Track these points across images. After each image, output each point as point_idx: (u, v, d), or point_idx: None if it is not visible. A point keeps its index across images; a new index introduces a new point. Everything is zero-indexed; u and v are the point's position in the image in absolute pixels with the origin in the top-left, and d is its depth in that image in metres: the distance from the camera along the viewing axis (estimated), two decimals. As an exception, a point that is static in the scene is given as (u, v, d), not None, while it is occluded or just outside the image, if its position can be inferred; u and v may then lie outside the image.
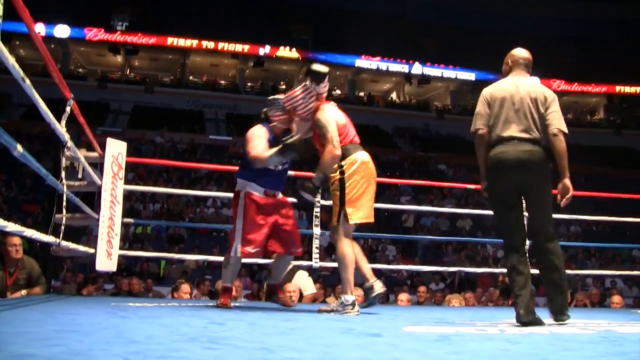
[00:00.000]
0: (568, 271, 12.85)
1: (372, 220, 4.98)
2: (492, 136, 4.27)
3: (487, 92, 4.38)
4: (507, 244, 4.29)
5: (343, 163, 4.88)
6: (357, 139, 5.05)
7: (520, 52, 4.52)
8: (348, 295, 4.73)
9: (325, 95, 5.16)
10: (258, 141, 5.16)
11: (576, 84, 39.31)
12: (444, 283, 15.29)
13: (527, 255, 4.25)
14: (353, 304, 4.69)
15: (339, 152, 4.82)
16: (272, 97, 5.51)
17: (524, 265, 4.17)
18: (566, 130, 4.22)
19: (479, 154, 4.34)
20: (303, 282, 7.61)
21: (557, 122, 4.21)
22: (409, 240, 19.90)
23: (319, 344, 2.70)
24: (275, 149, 4.90)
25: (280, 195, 5.35)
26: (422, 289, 9.77)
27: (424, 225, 20.90)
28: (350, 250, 4.82)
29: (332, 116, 4.99)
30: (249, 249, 5.04)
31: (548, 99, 4.26)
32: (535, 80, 4.43)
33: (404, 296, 8.59)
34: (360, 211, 4.85)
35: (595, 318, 4.99)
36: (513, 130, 4.21)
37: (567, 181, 4.29)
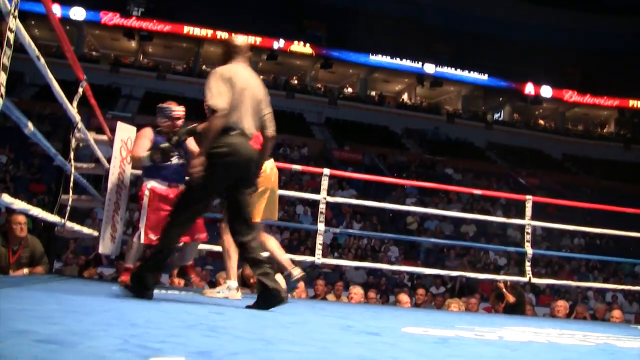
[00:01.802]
0: (570, 283, 12.80)
1: (257, 221, 5.27)
2: (229, 122, 4.19)
3: (227, 73, 4.29)
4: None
5: None
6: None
7: (246, 42, 4.57)
8: (231, 280, 5.28)
9: None
10: (141, 142, 5.68)
11: (588, 95, 39.15)
12: (445, 287, 15.27)
13: None
14: (237, 289, 5.25)
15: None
16: (160, 104, 5.87)
17: None
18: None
19: (215, 133, 4.14)
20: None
21: (272, 125, 4.52)
22: (412, 242, 19.88)
23: (317, 339, 2.70)
24: (147, 153, 5.47)
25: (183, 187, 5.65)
26: (420, 291, 9.79)
27: (428, 228, 20.88)
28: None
29: None
30: (152, 237, 5.41)
31: (266, 100, 4.48)
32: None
33: (404, 297, 8.59)
34: None
35: (594, 331, 4.97)
36: (250, 125, 4.29)
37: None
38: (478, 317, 6.10)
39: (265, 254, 4.35)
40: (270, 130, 4.50)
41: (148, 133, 5.74)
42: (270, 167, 5.46)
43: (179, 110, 5.76)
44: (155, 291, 5.16)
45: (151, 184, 5.58)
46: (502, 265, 19.08)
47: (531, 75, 37.23)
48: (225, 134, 4.15)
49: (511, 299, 8.77)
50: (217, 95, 4.12)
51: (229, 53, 4.45)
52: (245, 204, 4.31)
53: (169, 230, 4.16)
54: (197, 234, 5.81)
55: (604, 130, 42.48)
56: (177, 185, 5.63)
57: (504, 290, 8.85)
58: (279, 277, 7.62)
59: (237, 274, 7.55)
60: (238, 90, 4.20)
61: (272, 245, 5.58)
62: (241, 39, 4.53)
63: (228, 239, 5.19)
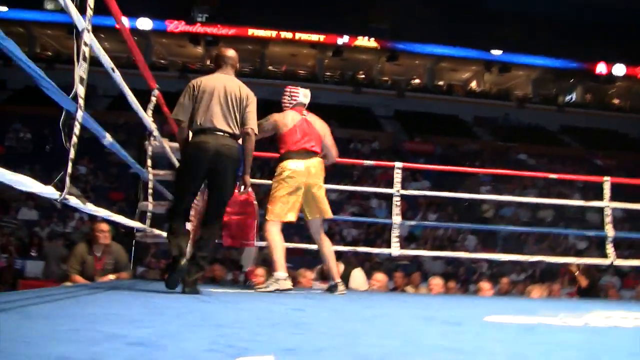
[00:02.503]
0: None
1: (290, 220, 5.59)
2: (199, 124, 4.66)
3: (196, 83, 4.83)
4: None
5: (277, 169, 5.67)
6: (306, 146, 5.66)
7: (235, 54, 5.09)
8: (279, 272, 5.35)
9: (295, 105, 5.85)
10: None
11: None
12: (525, 274, 15.06)
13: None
14: (285, 278, 5.33)
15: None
16: None
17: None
18: (257, 131, 4.80)
19: (180, 140, 4.82)
20: (359, 281, 7.55)
21: (251, 121, 4.74)
22: (489, 230, 19.66)
23: (400, 332, 2.71)
24: None
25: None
26: (505, 280, 9.69)
27: (504, 216, 20.60)
28: (276, 235, 5.49)
29: (277, 118, 5.74)
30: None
31: (249, 98, 4.81)
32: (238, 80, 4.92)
33: (485, 285, 8.50)
34: (276, 210, 5.52)
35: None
36: (221, 122, 4.64)
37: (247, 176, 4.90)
38: (561, 303, 5.99)
39: (186, 249, 4.58)
40: (247, 126, 4.73)
41: None
42: (306, 165, 5.58)
43: None
44: (236, 290, 5.25)
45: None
46: (583, 249, 18.69)
47: (602, 54, 36.28)
48: (196, 134, 4.66)
49: (583, 282, 8.63)
50: (178, 108, 4.74)
51: (217, 63, 5.01)
52: (216, 201, 4.71)
53: (169, 214, 4.71)
54: (243, 240, 6.15)
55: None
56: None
57: (576, 274, 8.72)
58: (358, 271, 7.66)
59: (317, 268, 7.66)
60: (207, 95, 4.68)
61: (328, 249, 5.80)
62: (231, 52, 5.07)
63: (271, 231, 5.46)
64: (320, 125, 5.87)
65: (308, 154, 5.64)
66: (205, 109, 4.62)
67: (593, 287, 8.77)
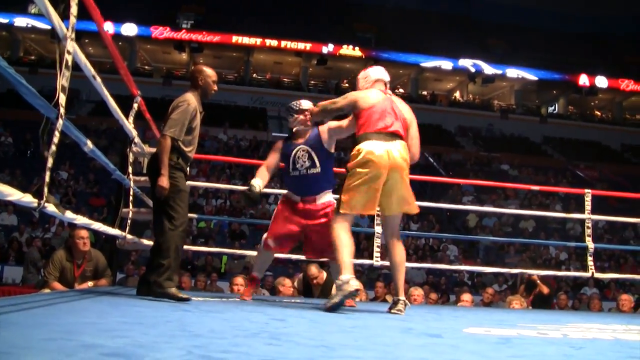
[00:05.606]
0: (635, 276, 12.55)
1: (366, 212, 4.89)
2: None
3: None
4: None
5: (352, 153, 4.88)
6: (387, 125, 4.86)
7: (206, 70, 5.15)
8: (344, 275, 4.47)
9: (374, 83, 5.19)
10: (269, 156, 5.65)
11: (647, 83, 38.31)
12: (507, 284, 15.10)
13: None
14: (348, 282, 4.39)
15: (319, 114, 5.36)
16: (287, 105, 5.71)
17: None
18: (169, 134, 4.65)
19: None
20: None
21: (165, 127, 4.70)
22: (471, 240, 19.70)
23: (378, 343, 2.71)
24: (255, 185, 5.34)
25: (323, 201, 5.34)
26: (490, 290, 9.72)
27: (486, 226, 20.66)
28: (344, 232, 4.66)
29: (356, 94, 5.09)
30: (270, 242, 5.38)
31: (176, 106, 4.80)
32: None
33: (466, 296, 8.53)
34: (352, 201, 4.68)
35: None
36: None
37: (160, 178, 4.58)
38: (540, 315, 6.01)
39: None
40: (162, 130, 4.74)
41: (277, 145, 5.63)
42: (387, 149, 4.76)
43: (305, 102, 5.54)
44: (216, 299, 5.22)
45: (285, 193, 5.61)
46: (563, 260, 18.77)
47: (585, 66, 36.60)
48: None
49: (545, 289, 8.95)
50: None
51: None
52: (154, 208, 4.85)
53: None
54: (325, 253, 5.38)
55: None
56: (312, 198, 5.32)
57: (539, 281, 8.94)
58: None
59: (298, 277, 7.61)
60: None
61: (400, 257, 4.90)
62: (205, 70, 5.12)
63: (339, 226, 4.69)
64: (406, 109, 5.17)
65: (390, 136, 4.82)
66: None
67: (551, 296, 9.07)
